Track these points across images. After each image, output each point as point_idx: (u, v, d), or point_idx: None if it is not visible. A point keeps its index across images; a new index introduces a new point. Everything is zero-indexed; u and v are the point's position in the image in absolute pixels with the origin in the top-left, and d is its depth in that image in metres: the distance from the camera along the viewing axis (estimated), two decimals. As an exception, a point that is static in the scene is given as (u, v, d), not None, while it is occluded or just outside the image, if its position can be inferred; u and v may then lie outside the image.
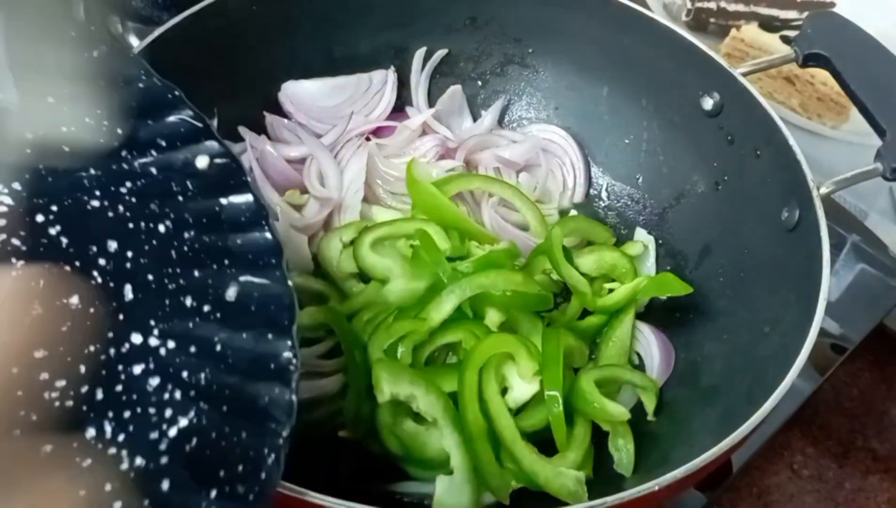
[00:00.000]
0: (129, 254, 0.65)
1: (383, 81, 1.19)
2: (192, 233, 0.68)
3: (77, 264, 0.62)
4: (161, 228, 0.67)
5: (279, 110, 1.16)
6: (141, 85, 0.75)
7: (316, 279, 1.02)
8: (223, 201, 0.71)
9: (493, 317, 0.94)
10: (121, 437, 0.58)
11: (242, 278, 0.68)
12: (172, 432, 0.60)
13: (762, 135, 1.00)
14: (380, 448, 0.91)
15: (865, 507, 1.15)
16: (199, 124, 0.74)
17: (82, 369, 0.58)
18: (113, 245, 0.64)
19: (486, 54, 1.22)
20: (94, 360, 0.59)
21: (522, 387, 0.90)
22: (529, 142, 1.18)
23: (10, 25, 0.68)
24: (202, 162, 0.71)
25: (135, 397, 0.59)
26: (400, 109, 1.21)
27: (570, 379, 0.93)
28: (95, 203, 0.66)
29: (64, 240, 0.63)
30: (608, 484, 0.88)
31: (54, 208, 0.64)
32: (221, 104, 1.11)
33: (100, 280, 0.62)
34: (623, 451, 0.92)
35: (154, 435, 0.59)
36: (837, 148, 1.35)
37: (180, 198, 0.69)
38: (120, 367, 0.60)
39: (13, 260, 0.60)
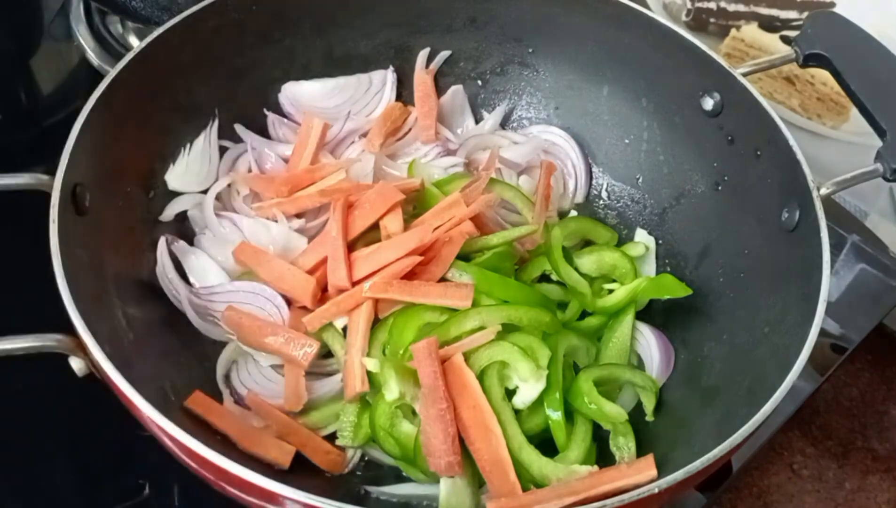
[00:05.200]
0: None
1: (383, 81, 1.19)
2: None
3: None
4: None
5: (279, 110, 1.16)
6: None
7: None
8: None
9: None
10: None
11: None
12: None
13: (762, 135, 1.00)
14: (377, 451, 0.92)
15: (865, 507, 1.16)
16: None
17: None
18: None
19: (486, 54, 1.21)
20: None
21: (528, 388, 0.90)
22: (531, 143, 1.18)
23: None
24: None
25: None
26: (400, 108, 1.20)
27: (570, 378, 0.93)
28: None
29: None
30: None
31: None
32: (221, 104, 1.11)
33: None
34: (624, 450, 0.92)
35: None
36: (837, 148, 1.35)
37: None
38: None
39: None
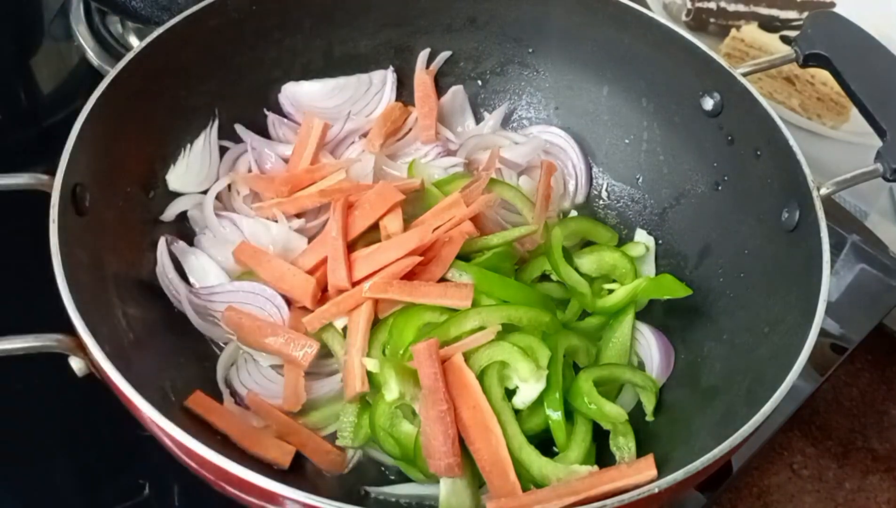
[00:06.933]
0: None
1: (383, 81, 1.19)
2: None
3: None
4: None
5: (279, 110, 1.16)
6: None
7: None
8: None
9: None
10: None
11: None
12: None
13: (762, 135, 1.00)
14: (377, 451, 0.92)
15: (865, 507, 1.16)
16: None
17: None
18: None
19: (486, 54, 1.21)
20: None
21: (528, 388, 0.90)
22: (532, 143, 1.18)
23: None
24: None
25: None
26: (400, 108, 1.20)
27: (570, 378, 0.93)
28: None
29: None
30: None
31: None
32: (221, 104, 1.11)
33: None
34: (624, 450, 0.92)
35: None
36: (837, 148, 1.35)
37: None
38: None
39: None
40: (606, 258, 1.06)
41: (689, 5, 1.45)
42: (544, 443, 0.90)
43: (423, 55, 1.20)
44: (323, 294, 0.98)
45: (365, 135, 1.15)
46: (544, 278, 1.05)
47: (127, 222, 0.99)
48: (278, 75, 1.16)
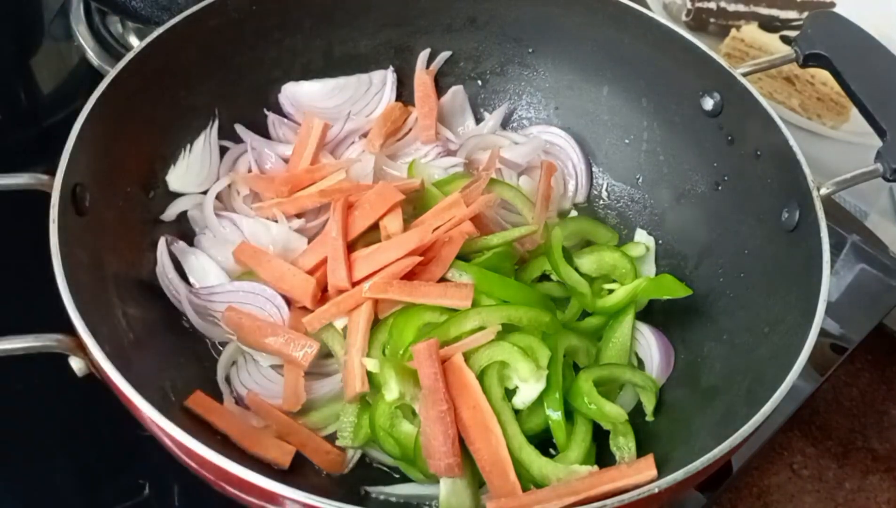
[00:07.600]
0: None
1: (383, 81, 1.19)
2: None
3: None
4: None
5: (279, 110, 1.16)
6: None
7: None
8: None
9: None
10: None
11: None
12: None
13: (762, 135, 1.00)
14: (377, 451, 0.92)
15: (865, 507, 1.16)
16: None
17: None
18: None
19: (486, 54, 1.21)
20: None
21: (528, 388, 0.90)
22: (531, 143, 1.18)
23: None
24: None
25: None
26: (400, 108, 1.20)
27: (570, 378, 0.93)
28: None
29: None
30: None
31: None
32: (221, 104, 1.12)
33: None
34: (624, 450, 0.92)
35: None
36: (837, 148, 1.35)
37: None
38: None
39: None
40: (606, 258, 1.06)
41: (689, 5, 1.45)
42: (544, 443, 0.90)
43: (423, 55, 1.20)
44: (323, 294, 0.98)
45: (365, 135, 1.15)
46: (544, 278, 1.05)
47: (127, 222, 0.99)
48: (278, 75, 1.16)
